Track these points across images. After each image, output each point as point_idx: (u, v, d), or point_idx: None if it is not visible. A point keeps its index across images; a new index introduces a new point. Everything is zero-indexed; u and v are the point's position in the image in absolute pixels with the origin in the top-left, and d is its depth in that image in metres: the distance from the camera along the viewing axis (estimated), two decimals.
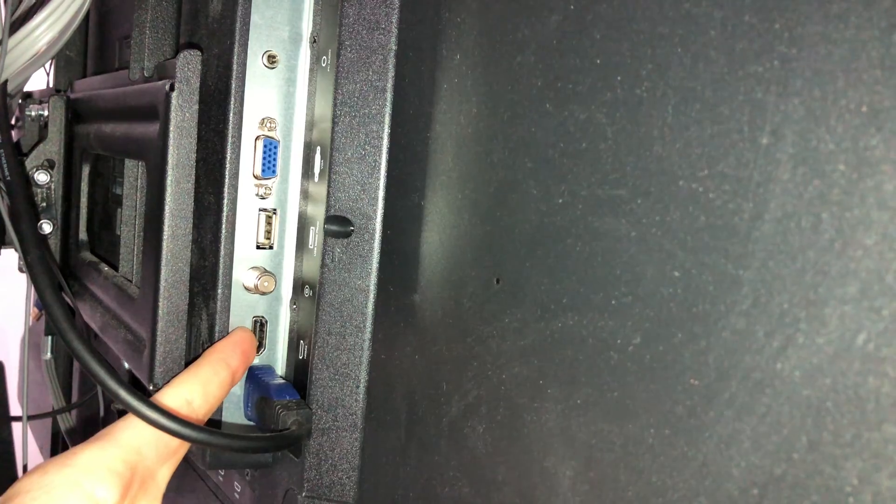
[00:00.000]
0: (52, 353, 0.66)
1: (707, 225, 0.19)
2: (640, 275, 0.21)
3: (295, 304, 0.35)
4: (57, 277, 0.47)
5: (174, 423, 0.28)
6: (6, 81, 0.43)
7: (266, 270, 0.35)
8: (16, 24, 0.42)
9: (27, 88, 0.58)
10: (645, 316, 0.21)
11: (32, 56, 0.41)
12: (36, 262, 0.34)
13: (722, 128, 0.19)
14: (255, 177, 0.34)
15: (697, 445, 0.19)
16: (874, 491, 0.16)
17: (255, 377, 0.34)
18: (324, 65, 0.33)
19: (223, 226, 0.34)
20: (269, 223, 0.35)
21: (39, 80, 0.63)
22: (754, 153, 0.18)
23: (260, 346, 0.35)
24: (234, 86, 0.33)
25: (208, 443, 0.29)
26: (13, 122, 0.60)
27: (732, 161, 0.19)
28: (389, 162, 0.31)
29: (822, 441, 0.17)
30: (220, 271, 0.34)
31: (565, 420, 0.23)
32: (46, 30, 0.40)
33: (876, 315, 0.16)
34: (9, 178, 0.41)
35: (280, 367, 0.36)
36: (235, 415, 0.35)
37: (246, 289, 0.35)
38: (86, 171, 0.50)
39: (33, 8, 0.43)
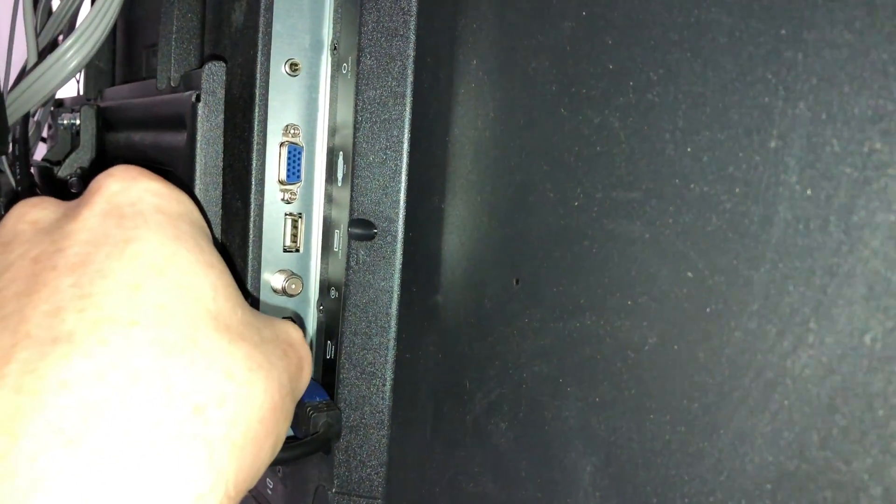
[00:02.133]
0: None
1: (719, 227, 0.20)
2: (655, 276, 0.21)
3: (321, 305, 0.36)
4: None
5: None
6: (27, 114, 0.44)
7: (293, 273, 0.36)
8: (44, 52, 0.43)
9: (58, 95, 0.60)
10: (660, 316, 0.21)
11: (61, 80, 0.43)
12: None
13: (731, 132, 0.19)
14: (281, 182, 0.35)
15: (712, 442, 0.20)
16: (884, 486, 0.16)
17: None
18: (344, 72, 0.34)
19: (251, 230, 0.35)
20: (294, 227, 0.36)
21: (71, 88, 0.65)
22: (763, 157, 0.18)
23: None
24: (258, 94, 0.34)
25: None
26: (46, 129, 0.61)
27: (742, 164, 0.19)
28: (410, 166, 0.32)
29: (833, 437, 0.17)
30: (250, 274, 0.35)
31: (585, 417, 0.23)
32: (74, 54, 0.41)
33: (883, 315, 0.16)
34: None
35: None
36: None
37: (274, 291, 0.36)
38: None
39: (60, 30, 0.45)
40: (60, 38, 0.49)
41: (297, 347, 0.25)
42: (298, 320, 0.36)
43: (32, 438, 0.18)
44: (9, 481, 0.17)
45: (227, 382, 0.20)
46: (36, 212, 0.23)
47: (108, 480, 0.18)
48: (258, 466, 0.22)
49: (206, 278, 0.22)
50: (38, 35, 0.46)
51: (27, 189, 0.45)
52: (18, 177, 0.46)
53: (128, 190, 0.23)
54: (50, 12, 0.50)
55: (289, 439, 0.34)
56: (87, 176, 0.52)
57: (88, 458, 0.18)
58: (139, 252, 0.21)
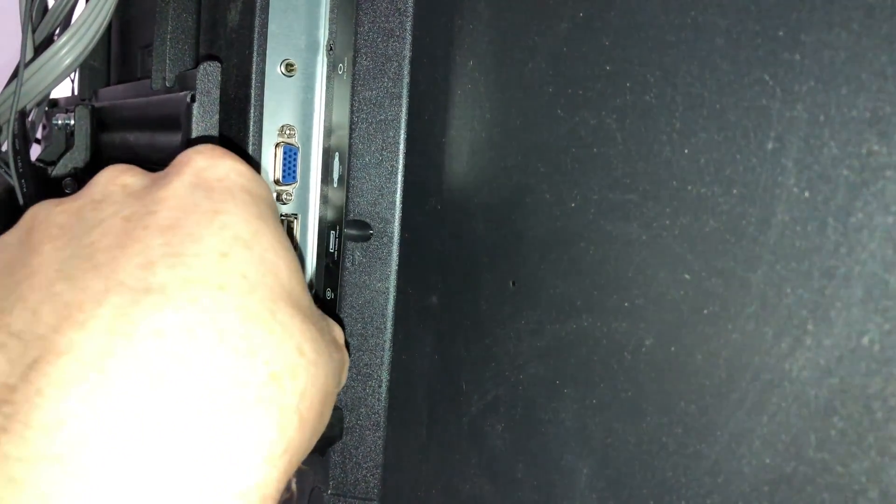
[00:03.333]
0: None
1: (716, 229, 0.19)
2: (652, 278, 0.21)
3: (317, 306, 0.36)
4: None
5: None
6: (23, 109, 0.44)
7: None
8: (40, 48, 0.43)
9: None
10: (657, 318, 0.21)
11: (55, 77, 0.42)
12: None
13: (728, 134, 0.19)
14: (276, 183, 0.35)
15: (709, 444, 0.20)
16: (882, 488, 0.16)
17: None
18: (340, 72, 0.34)
19: None
20: (290, 228, 0.35)
21: (65, 88, 0.64)
22: (760, 159, 0.18)
23: None
24: (253, 95, 0.34)
25: None
26: (40, 128, 0.61)
27: (739, 166, 0.19)
28: (406, 167, 0.32)
29: (831, 439, 0.17)
30: None
31: (581, 419, 0.23)
32: (68, 52, 0.41)
33: (881, 317, 0.16)
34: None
35: None
36: None
37: None
38: None
39: (55, 27, 0.44)
40: (56, 35, 0.49)
41: (341, 348, 0.26)
42: None
43: (123, 378, 0.18)
44: (97, 415, 0.18)
45: (299, 357, 0.21)
46: (126, 177, 0.24)
47: (192, 428, 0.19)
48: (308, 448, 0.22)
49: (284, 259, 0.23)
50: (34, 32, 0.46)
51: (30, 182, 0.45)
52: (21, 170, 0.45)
53: (215, 167, 0.23)
54: (46, 10, 0.50)
55: None
56: (81, 176, 0.52)
57: (175, 404, 0.19)
58: (227, 224, 0.22)
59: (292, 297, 0.22)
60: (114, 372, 0.18)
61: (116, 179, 0.24)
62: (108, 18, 0.43)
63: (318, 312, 0.25)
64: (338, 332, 0.27)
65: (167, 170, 0.24)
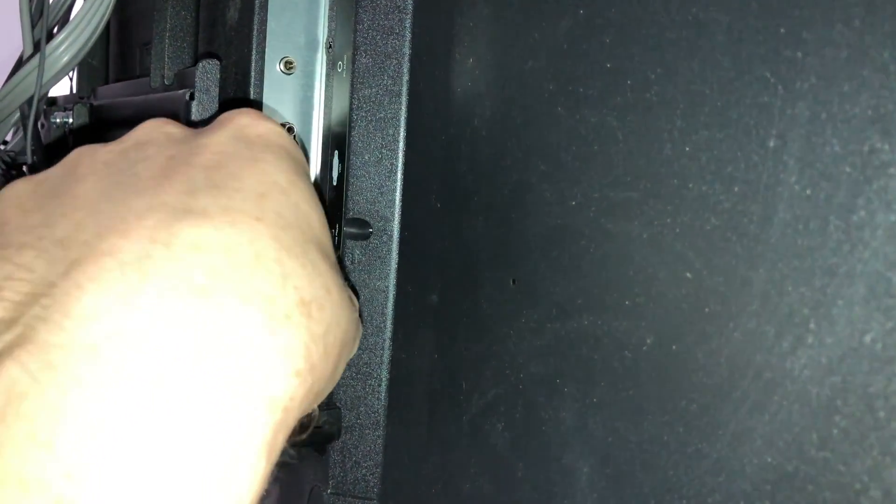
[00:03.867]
0: None
1: (717, 227, 0.19)
2: (653, 276, 0.21)
3: None
4: None
5: None
6: (33, 97, 0.44)
7: None
8: (39, 42, 0.43)
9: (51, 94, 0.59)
10: (658, 316, 0.21)
11: (53, 75, 0.42)
12: None
13: (730, 131, 0.19)
14: None
15: (711, 443, 0.19)
16: (884, 487, 0.16)
17: None
18: (340, 70, 0.34)
19: None
20: None
21: (64, 86, 0.64)
22: (762, 156, 0.18)
23: None
24: (252, 92, 0.34)
25: None
26: (39, 126, 0.61)
27: (741, 164, 0.19)
28: (406, 165, 0.32)
29: (832, 438, 0.17)
30: None
31: (582, 418, 0.23)
32: (67, 48, 0.41)
33: (883, 315, 0.16)
34: None
35: None
36: None
37: None
38: None
39: (53, 24, 0.44)
40: (55, 32, 0.49)
41: (357, 311, 0.27)
42: None
43: (162, 280, 0.19)
44: (133, 312, 0.18)
45: (327, 295, 0.22)
46: (169, 126, 0.25)
47: (226, 336, 0.19)
48: (326, 389, 0.23)
49: (317, 211, 0.24)
50: (33, 28, 0.46)
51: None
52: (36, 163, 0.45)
53: (256, 125, 0.25)
54: (44, 6, 0.50)
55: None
56: None
57: (210, 311, 0.19)
58: (266, 170, 0.23)
59: (322, 246, 0.23)
60: (151, 274, 0.19)
61: (160, 128, 0.25)
62: (106, 15, 0.43)
63: (341, 273, 0.26)
64: (355, 300, 0.28)
65: (209, 125, 0.25)
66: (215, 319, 0.19)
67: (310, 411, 0.22)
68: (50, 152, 0.53)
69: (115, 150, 0.24)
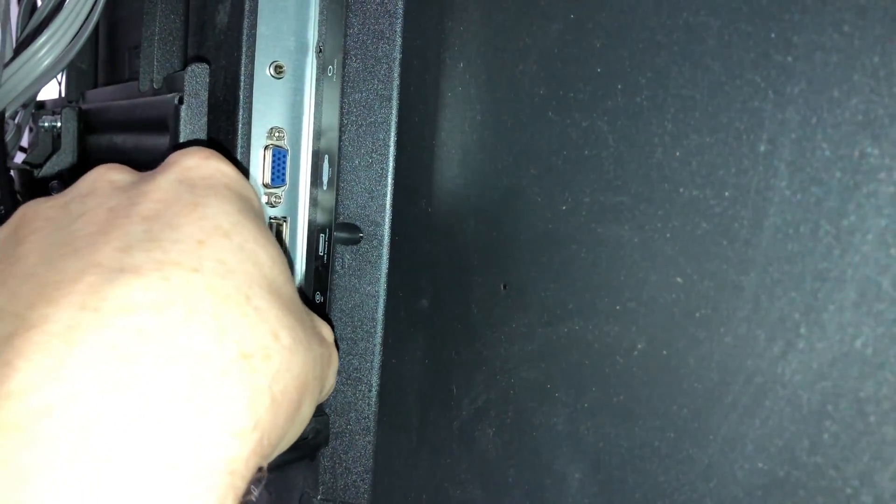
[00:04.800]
0: None
1: (708, 231, 0.19)
2: (644, 280, 0.21)
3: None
4: None
5: None
6: (4, 111, 0.44)
7: None
8: (24, 44, 0.43)
9: (40, 98, 0.59)
10: (649, 321, 0.21)
11: (35, 77, 0.42)
12: None
13: (720, 136, 0.19)
14: (265, 186, 0.35)
15: (702, 448, 0.19)
16: (875, 493, 0.16)
17: None
18: (330, 74, 0.34)
19: None
20: (279, 231, 0.35)
21: (52, 90, 0.64)
22: (753, 161, 0.18)
23: None
24: (242, 97, 0.33)
25: None
26: (27, 130, 0.61)
27: (731, 168, 0.19)
28: (396, 169, 0.32)
29: (824, 444, 0.17)
30: None
31: (573, 423, 0.23)
32: (48, 52, 0.41)
33: (874, 320, 0.16)
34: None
35: None
36: None
37: None
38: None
39: (40, 26, 0.44)
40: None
41: (328, 345, 0.26)
42: None
43: (88, 349, 0.18)
44: (60, 385, 0.18)
45: (273, 342, 0.21)
46: (114, 174, 0.25)
47: (155, 399, 0.19)
48: (285, 437, 0.22)
49: (266, 249, 0.23)
50: (23, 31, 0.46)
51: (5, 190, 0.44)
52: None
53: (201, 166, 0.24)
54: (34, 8, 0.50)
55: None
56: (67, 179, 0.51)
57: (138, 376, 0.19)
58: (207, 215, 0.22)
59: (273, 286, 0.23)
60: (79, 344, 0.18)
61: (104, 176, 0.24)
62: (89, 16, 0.42)
63: (302, 306, 0.25)
64: (326, 330, 0.27)
65: (156, 169, 0.24)
66: (144, 387, 0.19)
67: (266, 462, 0.21)
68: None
69: (57, 203, 0.23)
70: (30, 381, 0.18)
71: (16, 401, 0.18)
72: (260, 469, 0.21)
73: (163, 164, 0.25)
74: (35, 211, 0.23)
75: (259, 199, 0.26)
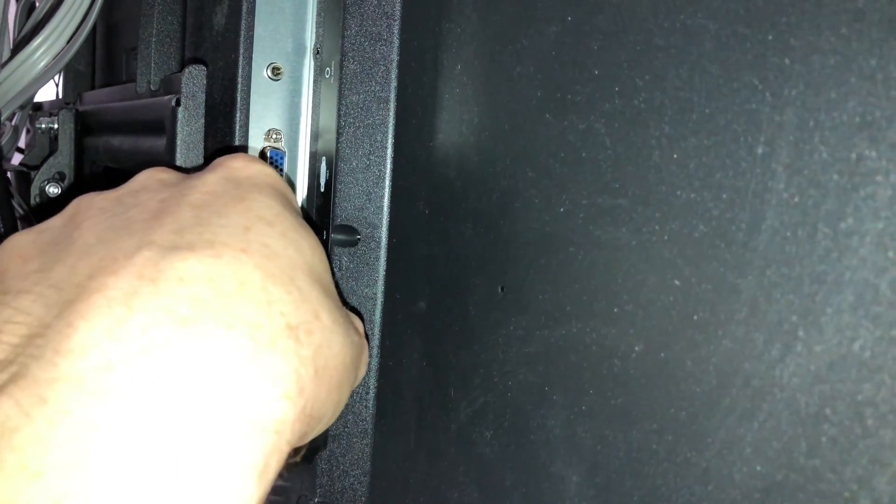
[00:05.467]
0: None
1: (705, 234, 0.19)
2: (641, 283, 0.21)
3: None
4: None
5: None
6: None
7: None
8: (20, 45, 0.43)
9: (37, 99, 0.59)
10: (646, 324, 0.21)
11: (32, 79, 0.42)
12: None
13: (718, 138, 0.19)
14: None
15: (700, 451, 0.19)
16: (873, 496, 0.16)
17: None
18: (327, 76, 0.34)
19: None
20: None
21: (49, 91, 0.64)
22: (750, 163, 0.18)
23: None
24: (239, 98, 0.33)
25: None
26: (24, 132, 0.60)
27: (729, 171, 0.19)
28: (394, 171, 0.32)
29: (822, 447, 0.17)
30: None
31: (571, 426, 0.23)
32: (43, 53, 0.41)
33: (872, 323, 0.16)
34: None
35: None
36: None
37: None
38: (97, 183, 0.51)
39: (37, 27, 0.44)
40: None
41: (361, 335, 0.27)
42: None
43: (147, 312, 0.20)
44: (121, 344, 0.19)
45: (315, 319, 0.22)
46: (163, 174, 0.26)
47: (211, 360, 0.20)
48: (324, 417, 0.23)
49: (307, 239, 0.25)
50: (20, 32, 0.46)
51: (1, 192, 0.44)
52: None
53: (246, 168, 0.26)
54: (32, 8, 0.50)
55: None
56: (65, 181, 0.51)
57: (195, 338, 0.20)
58: (252, 206, 0.24)
59: (314, 272, 0.24)
60: (137, 308, 0.20)
61: (155, 175, 0.26)
62: (92, 21, 0.42)
63: (337, 298, 0.26)
64: (357, 322, 0.28)
65: (203, 170, 0.26)
66: (200, 347, 0.20)
67: (307, 438, 0.22)
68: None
69: (110, 196, 0.25)
70: (91, 339, 0.19)
71: (78, 356, 0.19)
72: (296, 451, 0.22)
73: (209, 166, 0.26)
74: (89, 202, 0.25)
75: (296, 200, 0.28)
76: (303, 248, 0.24)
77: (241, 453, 0.19)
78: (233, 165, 0.26)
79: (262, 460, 0.20)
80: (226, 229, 0.22)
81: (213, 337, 0.20)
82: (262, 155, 0.34)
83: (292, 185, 0.35)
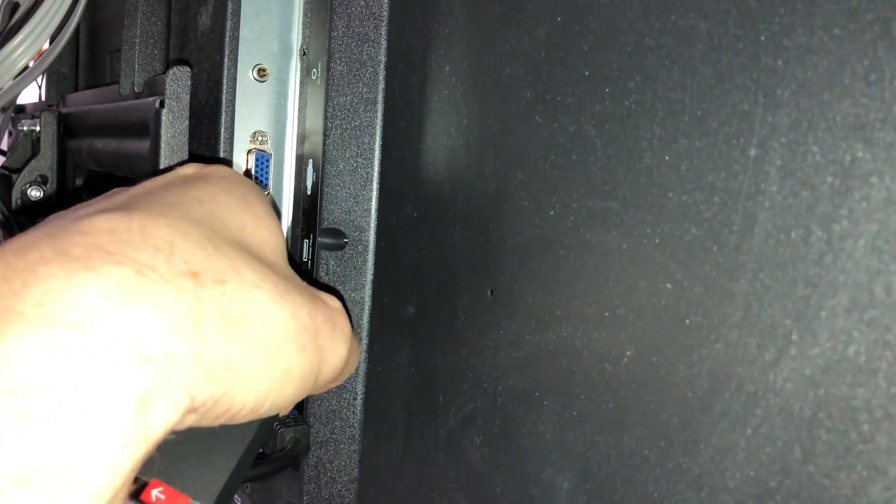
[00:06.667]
0: None
1: (698, 237, 0.19)
2: (633, 287, 0.21)
3: None
4: None
5: None
6: None
7: None
8: (1, 44, 0.42)
9: (20, 101, 0.58)
10: (638, 328, 0.21)
11: (12, 79, 0.41)
12: None
13: (710, 140, 0.19)
14: None
15: (692, 457, 0.19)
16: (868, 502, 0.16)
17: None
18: (314, 77, 0.33)
19: None
20: None
21: (32, 93, 0.63)
22: (743, 165, 0.18)
23: None
24: (224, 100, 0.33)
25: None
26: (6, 134, 0.60)
27: (721, 173, 0.19)
28: (382, 174, 0.31)
29: (816, 452, 0.17)
30: None
31: (561, 432, 0.23)
32: (23, 53, 0.40)
33: (866, 326, 0.16)
34: None
35: None
36: None
37: None
38: (79, 185, 0.50)
39: (15, 26, 0.43)
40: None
41: (329, 308, 0.26)
42: None
43: (36, 251, 0.19)
44: (2, 277, 0.19)
45: (233, 273, 0.22)
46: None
47: (90, 290, 0.19)
48: (256, 371, 0.22)
49: (238, 218, 0.25)
50: (2, 32, 0.45)
51: None
52: None
53: (203, 167, 0.27)
54: (15, 8, 0.49)
55: (257, 456, 0.33)
56: (47, 184, 0.50)
57: (78, 273, 0.19)
58: (189, 190, 0.25)
59: (244, 244, 0.24)
60: (30, 252, 0.20)
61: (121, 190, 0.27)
62: (74, 22, 0.42)
63: (289, 271, 0.26)
64: (327, 296, 0.27)
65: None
66: (83, 279, 0.19)
67: (230, 406, 0.21)
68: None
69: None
70: None
71: None
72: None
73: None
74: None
75: (263, 197, 0.28)
76: (231, 223, 0.24)
77: (117, 382, 0.18)
78: (188, 169, 0.27)
79: (142, 392, 0.18)
80: (149, 201, 0.23)
81: (99, 270, 0.19)
82: (249, 156, 0.34)
83: (279, 187, 0.35)
